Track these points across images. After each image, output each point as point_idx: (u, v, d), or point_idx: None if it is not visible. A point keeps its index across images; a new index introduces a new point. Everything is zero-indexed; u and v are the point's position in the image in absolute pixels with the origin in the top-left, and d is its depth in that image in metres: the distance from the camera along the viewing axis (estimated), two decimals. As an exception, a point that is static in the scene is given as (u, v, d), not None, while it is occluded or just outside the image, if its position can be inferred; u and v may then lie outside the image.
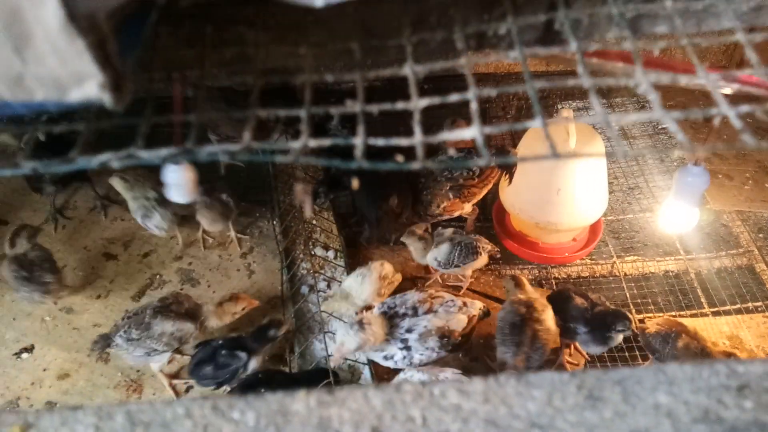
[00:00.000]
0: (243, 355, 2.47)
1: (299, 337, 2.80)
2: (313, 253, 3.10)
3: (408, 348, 2.36)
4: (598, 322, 2.51)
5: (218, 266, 3.20)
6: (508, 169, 3.04)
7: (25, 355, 2.81)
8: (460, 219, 3.26)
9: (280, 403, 0.71)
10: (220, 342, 2.52)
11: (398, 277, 2.84)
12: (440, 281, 3.13)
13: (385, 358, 2.42)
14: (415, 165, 0.70)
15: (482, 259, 2.89)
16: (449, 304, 2.50)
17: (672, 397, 0.67)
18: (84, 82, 0.62)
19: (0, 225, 3.37)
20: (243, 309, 2.67)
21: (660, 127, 4.10)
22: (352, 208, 3.31)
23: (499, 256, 3.05)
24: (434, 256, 2.86)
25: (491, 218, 3.42)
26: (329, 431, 0.68)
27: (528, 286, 2.62)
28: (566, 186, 2.88)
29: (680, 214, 2.47)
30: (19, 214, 3.42)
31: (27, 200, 3.50)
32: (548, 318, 2.48)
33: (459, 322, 2.45)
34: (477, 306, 2.58)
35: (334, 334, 2.62)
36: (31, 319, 2.93)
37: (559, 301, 2.62)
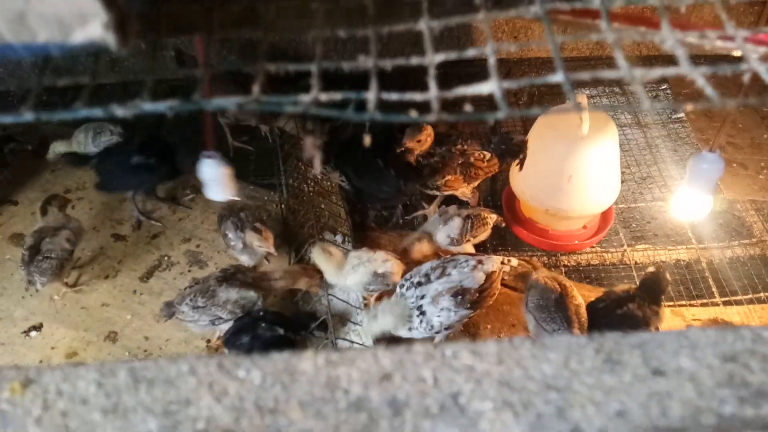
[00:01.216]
0: (281, 331, 2.45)
1: (306, 320, 2.79)
2: (321, 236, 3.08)
3: (423, 313, 2.35)
4: None
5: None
6: (519, 156, 3.01)
7: (33, 333, 2.82)
8: (453, 201, 3.19)
9: (286, 362, 0.69)
10: (261, 313, 2.50)
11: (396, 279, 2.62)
12: None
13: (410, 330, 2.41)
14: (430, 118, 0.67)
15: (488, 230, 2.89)
16: (462, 264, 2.46)
17: (695, 361, 0.64)
18: (88, 22, 0.59)
19: (10, 205, 3.37)
20: (310, 287, 2.67)
21: (674, 117, 4.05)
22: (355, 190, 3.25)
23: (504, 225, 3.04)
24: (447, 233, 2.79)
25: (501, 204, 3.39)
26: (337, 390, 0.66)
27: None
28: (578, 173, 2.84)
29: (693, 201, 2.43)
30: (28, 195, 3.42)
31: (36, 180, 3.50)
32: (578, 295, 2.47)
33: (475, 280, 2.41)
34: (495, 261, 2.53)
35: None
36: (40, 298, 2.93)
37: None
